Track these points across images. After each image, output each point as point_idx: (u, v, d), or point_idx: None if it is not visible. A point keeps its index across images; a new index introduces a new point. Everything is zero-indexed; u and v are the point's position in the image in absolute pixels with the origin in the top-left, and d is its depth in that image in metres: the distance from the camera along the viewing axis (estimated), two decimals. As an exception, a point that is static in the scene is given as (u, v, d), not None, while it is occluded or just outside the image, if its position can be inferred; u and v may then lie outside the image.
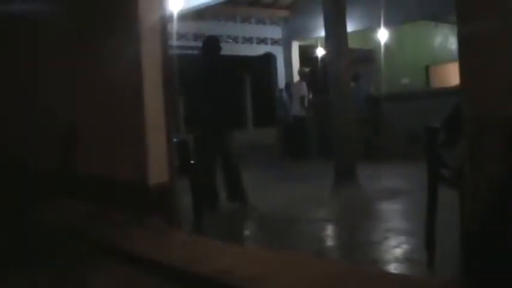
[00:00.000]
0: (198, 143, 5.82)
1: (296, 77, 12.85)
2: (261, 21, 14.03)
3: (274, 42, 14.27)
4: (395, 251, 3.90)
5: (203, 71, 5.99)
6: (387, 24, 11.99)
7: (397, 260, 3.71)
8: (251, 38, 13.79)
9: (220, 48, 6.09)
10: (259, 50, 13.99)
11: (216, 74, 5.95)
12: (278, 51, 14.29)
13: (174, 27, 9.43)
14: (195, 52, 7.29)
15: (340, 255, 4.18)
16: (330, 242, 4.76)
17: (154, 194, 4.03)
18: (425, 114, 4.91)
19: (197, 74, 6.06)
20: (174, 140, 4.37)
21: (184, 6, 9.79)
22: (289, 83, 12.95)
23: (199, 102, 5.94)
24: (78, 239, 3.86)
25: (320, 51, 13.84)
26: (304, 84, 11.68)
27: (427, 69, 15.43)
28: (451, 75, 11.12)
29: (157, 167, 4.08)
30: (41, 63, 5.37)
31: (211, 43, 6.13)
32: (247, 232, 5.29)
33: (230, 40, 13.27)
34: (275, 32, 14.25)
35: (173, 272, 3.06)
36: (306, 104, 11.37)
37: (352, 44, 8.76)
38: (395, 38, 13.58)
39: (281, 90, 13.12)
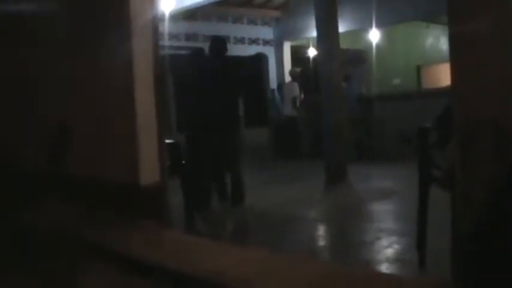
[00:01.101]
0: (196, 143, 5.85)
1: (288, 77, 12.86)
2: (252, 22, 14.02)
3: (266, 42, 14.27)
4: (387, 251, 3.92)
5: (209, 71, 6.03)
6: (379, 25, 12.02)
7: (388, 260, 3.73)
8: (243, 39, 13.78)
9: (226, 50, 6.14)
10: (251, 50, 13.98)
11: (222, 74, 5.99)
12: (270, 52, 14.30)
13: (166, 27, 9.41)
14: (187, 52, 7.34)
15: (332, 256, 4.19)
16: (322, 242, 4.77)
17: (145, 194, 4.02)
18: (417, 115, 4.93)
19: (200, 73, 6.10)
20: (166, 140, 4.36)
21: (176, 7, 9.78)
22: (281, 84, 12.96)
23: (201, 102, 5.97)
24: (68, 241, 3.84)
25: (312, 52, 13.86)
26: (295, 84, 11.69)
27: (418, 69, 15.47)
28: (443, 76, 11.15)
29: (149, 167, 4.07)
30: (33, 62, 5.34)
31: (218, 44, 6.16)
32: (239, 232, 5.28)
33: (222, 40, 13.24)
34: (267, 32, 14.26)
35: (165, 273, 3.05)
36: (297, 105, 11.39)
37: (344, 44, 8.78)
38: (387, 39, 13.61)
39: (273, 90, 13.13)
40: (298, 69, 12.38)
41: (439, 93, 8.00)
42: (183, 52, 10.53)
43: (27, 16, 5.28)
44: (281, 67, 14.04)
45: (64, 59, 4.85)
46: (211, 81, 5.91)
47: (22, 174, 5.31)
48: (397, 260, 3.72)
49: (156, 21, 4.23)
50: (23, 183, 5.21)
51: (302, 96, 11.63)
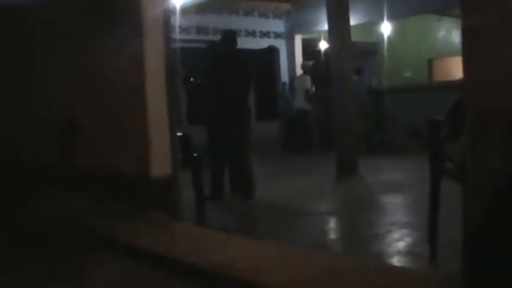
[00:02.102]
0: (212, 134, 5.93)
1: (299, 70, 12.82)
2: (264, 15, 13.97)
3: (277, 35, 14.21)
4: (398, 244, 3.91)
5: (220, 65, 6.08)
6: (390, 18, 11.94)
7: (399, 253, 3.72)
8: (254, 32, 13.73)
9: (236, 43, 6.22)
10: (262, 43, 13.94)
11: (232, 67, 6.04)
12: (281, 45, 14.24)
13: (177, 20, 9.41)
14: (204, 45, 7.45)
15: (343, 248, 4.19)
16: (332, 235, 4.77)
17: (157, 187, 4.04)
18: (428, 108, 4.90)
19: (212, 67, 6.15)
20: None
21: (187, 0, 9.77)
22: (292, 76, 12.93)
23: (213, 95, 6.02)
24: (80, 232, 3.87)
25: (323, 45, 13.79)
26: (307, 77, 11.67)
27: (429, 62, 15.37)
28: (454, 69, 11.07)
29: (160, 160, 4.09)
30: (43, 57, 5.37)
31: (227, 37, 6.21)
32: (249, 224, 5.29)
33: (233, 33, 13.22)
34: (278, 25, 14.20)
35: (175, 265, 3.07)
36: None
37: (355, 37, 8.74)
38: (399, 31, 13.52)
39: (284, 83, 13.11)
40: (310, 63, 12.33)
41: (450, 86, 7.95)
42: (193, 45, 10.54)
43: (37, 12, 5.30)
44: (292, 60, 13.98)
45: (75, 54, 4.87)
46: (222, 75, 5.95)
47: (35, 167, 5.36)
48: (408, 253, 3.71)
49: (167, 14, 4.25)
50: (36, 175, 5.25)
51: (313, 89, 11.61)
